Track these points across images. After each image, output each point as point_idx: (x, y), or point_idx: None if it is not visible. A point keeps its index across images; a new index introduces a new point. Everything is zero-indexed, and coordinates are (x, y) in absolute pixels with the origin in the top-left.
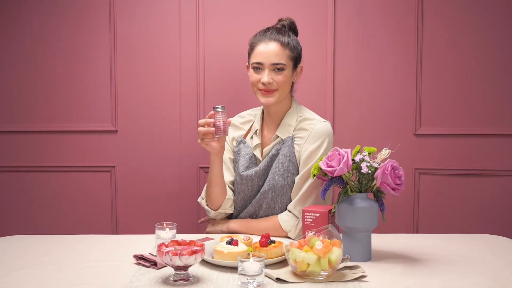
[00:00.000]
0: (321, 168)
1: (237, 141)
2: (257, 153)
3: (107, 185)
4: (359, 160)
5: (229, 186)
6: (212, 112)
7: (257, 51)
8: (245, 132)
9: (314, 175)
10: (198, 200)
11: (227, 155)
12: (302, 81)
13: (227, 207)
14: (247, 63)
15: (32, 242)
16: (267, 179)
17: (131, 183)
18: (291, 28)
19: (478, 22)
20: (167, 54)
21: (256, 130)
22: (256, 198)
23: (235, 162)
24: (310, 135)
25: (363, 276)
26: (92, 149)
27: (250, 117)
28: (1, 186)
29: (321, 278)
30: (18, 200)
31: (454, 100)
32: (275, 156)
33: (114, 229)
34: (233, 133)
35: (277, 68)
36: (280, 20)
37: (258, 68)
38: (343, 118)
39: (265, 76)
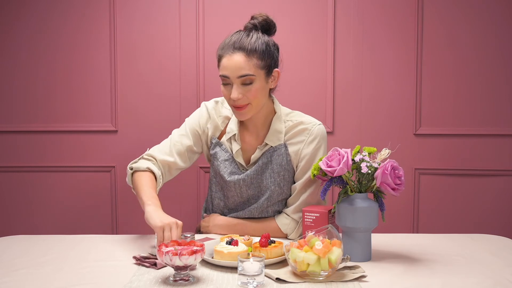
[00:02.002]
0: (321, 168)
1: (212, 143)
2: (240, 159)
3: (107, 185)
4: (359, 160)
5: (172, 168)
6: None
7: (222, 64)
8: (218, 127)
9: (314, 175)
10: (128, 166)
11: (187, 142)
12: (302, 81)
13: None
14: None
15: (32, 242)
16: (262, 189)
17: None
18: (264, 28)
19: (478, 22)
20: (167, 54)
21: (235, 134)
22: (250, 208)
23: (212, 164)
24: (309, 139)
25: (363, 276)
26: (92, 149)
27: (227, 112)
28: (1, 186)
29: (321, 278)
30: (18, 200)
31: (454, 100)
32: (266, 164)
33: (114, 229)
34: (210, 126)
35: (245, 82)
36: (252, 18)
37: (226, 83)
38: (343, 118)
39: (233, 91)
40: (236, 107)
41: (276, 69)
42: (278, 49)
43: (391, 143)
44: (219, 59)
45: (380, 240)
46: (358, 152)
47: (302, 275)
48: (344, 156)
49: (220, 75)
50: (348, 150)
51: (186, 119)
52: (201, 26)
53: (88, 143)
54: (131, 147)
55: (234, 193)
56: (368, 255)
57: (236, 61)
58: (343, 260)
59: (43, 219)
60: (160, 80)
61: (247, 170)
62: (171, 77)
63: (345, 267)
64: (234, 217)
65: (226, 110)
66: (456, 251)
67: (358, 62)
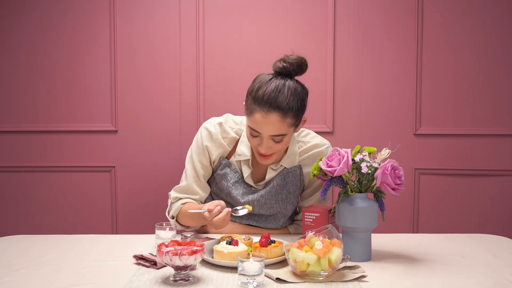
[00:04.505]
0: (321, 168)
1: (221, 164)
2: (249, 181)
3: (107, 185)
4: (359, 160)
5: (198, 201)
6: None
7: (255, 119)
8: (226, 150)
9: (314, 175)
10: (168, 216)
11: (202, 172)
12: (302, 81)
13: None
14: (244, 103)
15: (32, 242)
16: (277, 208)
17: (131, 183)
18: (298, 70)
19: (478, 22)
20: (167, 54)
21: (249, 160)
22: (266, 222)
23: (218, 181)
24: None
25: (363, 276)
26: (92, 149)
27: (233, 133)
28: (1, 186)
29: (321, 278)
30: (18, 200)
31: (454, 100)
32: (281, 186)
33: (114, 229)
34: (216, 151)
35: (276, 140)
36: (284, 61)
37: (255, 135)
38: (343, 118)
39: (263, 147)
40: (261, 155)
41: (303, 118)
42: (307, 93)
43: (391, 143)
44: (252, 111)
45: (380, 240)
46: (358, 152)
47: (302, 275)
48: (344, 156)
49: (249, 126)
50: (348, 150)
51: (192, 148)
52: (201, 25)
53: (88, 143)
54: (131, 147)
55: None
56: (368, 255)
57: (271, 122)
58: (343, 260)
59: (43, 219)
60: (160, 80)
61: (257, 189)
62: (171, 77)
63: (345, 267)
64: (240, 222)
65: (232, 131)
66: (456, 251)
67: (358, 62)
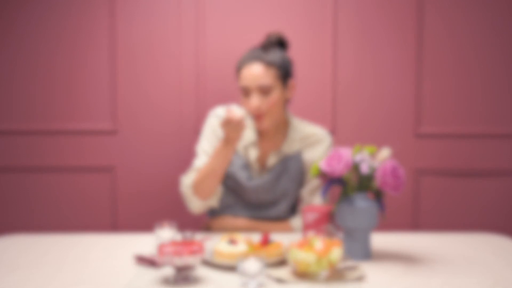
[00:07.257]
0: (321, 168)
1: None
2: (256, 165)
3: (107, 185)
4: (359, 160)
5: None
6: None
7: (242, 74)
8: None
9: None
10: (184, 189)
11: (215, 143)
12: (302, 81)
13: (215, 200)
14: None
15: (32, 242)
16: (279, 194)
17: (131, 183)
18: (279, 43)
19: (479, 20)
20: (167, 54)
21: (254, 142)
22: (268, 210)
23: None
24: (323, 148)
25: (363, 276)
26: (92, 149)
27: None
28: (1, 186)
29: (321, 278)
30: (18, 200)
31: (454, 100)
32: (283, 171)
33: (114, 229)
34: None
35: (264, 91)
36: (267, 36)
37: (246, 93)
38: (343, 118)
39: (253, 99)
40: (256, 116)
41: (291, 80)
42: (291, 63)
43: (391, 143)
44: (239, 70)
45: (380, 240)
46: (358, 152)
47: (302, 275)
48: (344, 156)
49: (240, 87)
50: (348, 150)
51: (204, 133)
52: (201, 26)
53: (88, 143)
54: (131, 147)
55: (250, 196)
56: (368, 255)
57: (255, 71)
58: (343, 260)
59: (43, 219)
60: (160, 80)
61: (262, 175)
62: (171, 77)
63: (345, 267)
64: (249, 217)
65: None
66: (456, 251)
67: (358, 62)
